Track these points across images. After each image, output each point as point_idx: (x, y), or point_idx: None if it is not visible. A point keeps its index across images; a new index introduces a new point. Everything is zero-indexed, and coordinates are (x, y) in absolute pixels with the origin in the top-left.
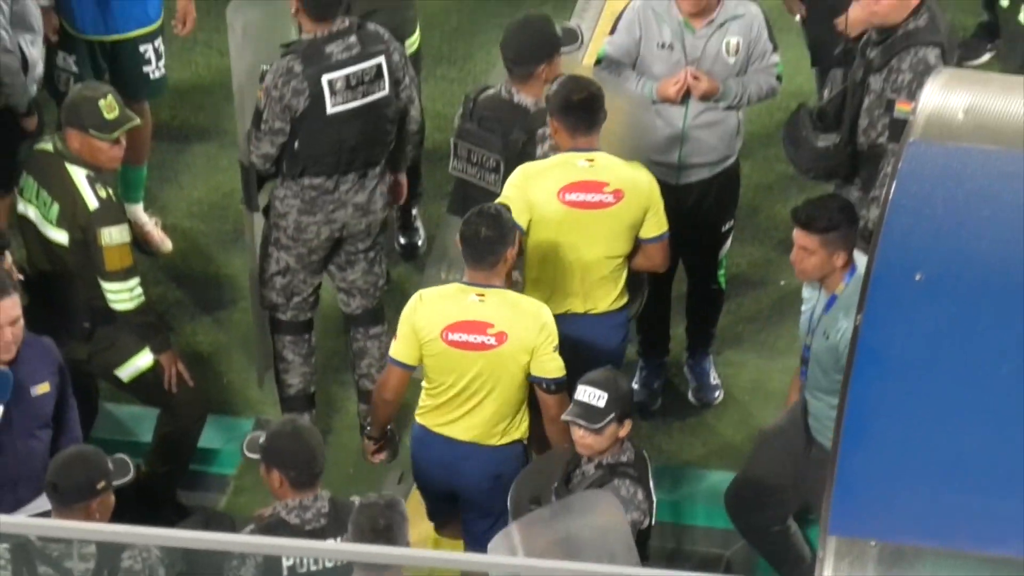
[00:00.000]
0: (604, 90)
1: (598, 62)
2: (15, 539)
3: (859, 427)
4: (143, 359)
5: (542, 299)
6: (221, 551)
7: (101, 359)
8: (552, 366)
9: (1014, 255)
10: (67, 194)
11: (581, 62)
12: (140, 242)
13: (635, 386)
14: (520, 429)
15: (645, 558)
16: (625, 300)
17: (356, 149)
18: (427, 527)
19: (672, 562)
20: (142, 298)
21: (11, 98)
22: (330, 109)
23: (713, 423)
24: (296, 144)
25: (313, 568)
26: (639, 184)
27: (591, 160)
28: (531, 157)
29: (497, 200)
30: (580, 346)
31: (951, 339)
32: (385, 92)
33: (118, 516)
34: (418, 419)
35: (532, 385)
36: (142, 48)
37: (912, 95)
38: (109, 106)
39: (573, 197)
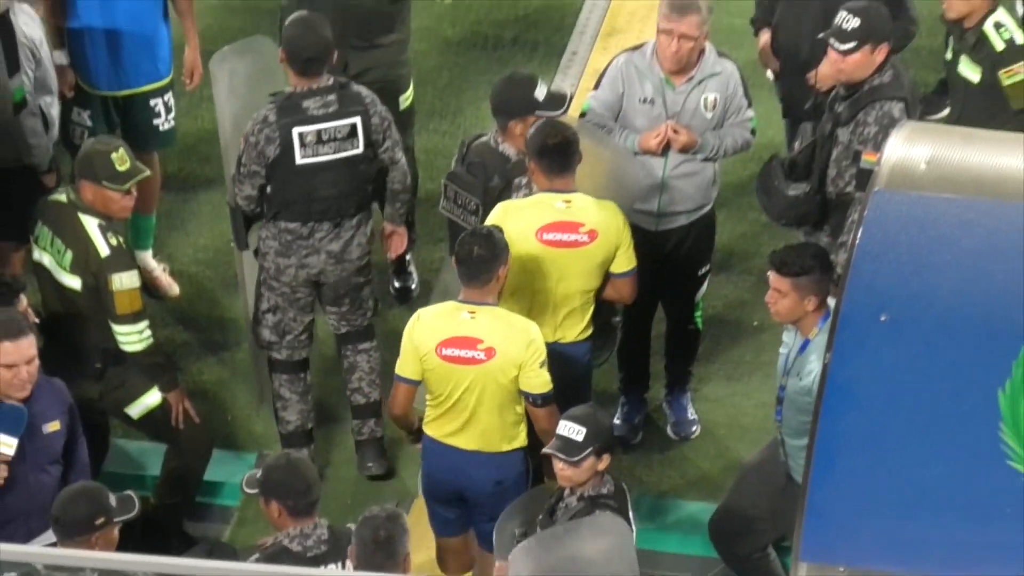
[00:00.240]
0: (591, 142)
1: (582, 115)
2: (23, 567)
3: (828, 459)
4: (152, 397)
5: None
6: None
7: (112, 397)
8: (538, 381)
9: (973, 297)
10: (80, 242)
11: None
12: (149, 287)
13: (617, 421)
14: (520, 438)
15: None
16: (590, 332)
17: (328, 200)
18: (429, 554)
19: None
20: (151, 340)
21: (35, 158)
22: (299, 160)
23: (690, 456)
24: (269, 189)
25: None
26: (612, 224)
27: (568, 201)
28: None
29: None
30: (549, 372)
31: (914, 376)
32: (359, 151)
33: (128, 546)
34: (426, 429)
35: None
36: (152, 102)
37: (877, 146)
38: (121, 159)
39: (550, 236)
